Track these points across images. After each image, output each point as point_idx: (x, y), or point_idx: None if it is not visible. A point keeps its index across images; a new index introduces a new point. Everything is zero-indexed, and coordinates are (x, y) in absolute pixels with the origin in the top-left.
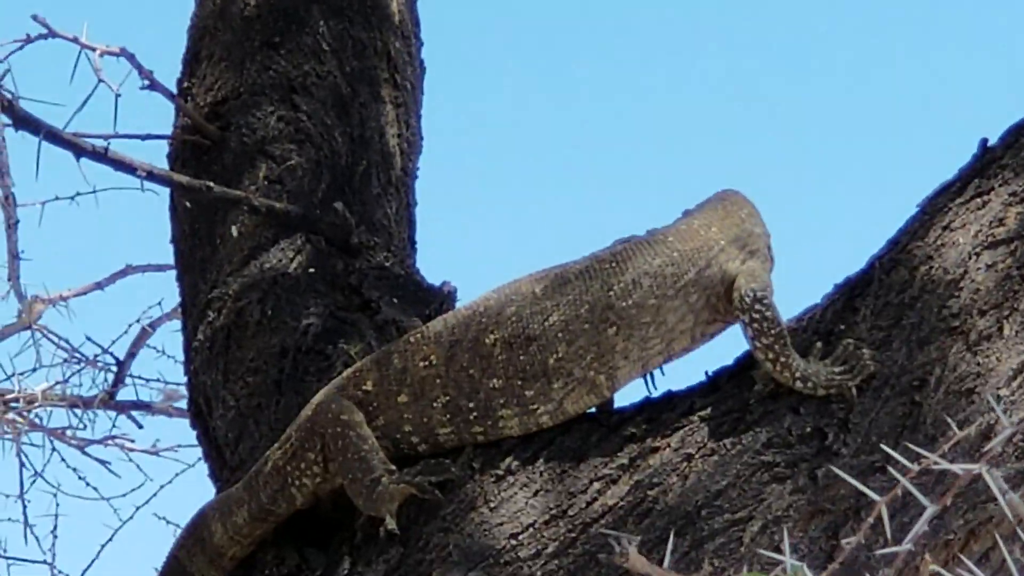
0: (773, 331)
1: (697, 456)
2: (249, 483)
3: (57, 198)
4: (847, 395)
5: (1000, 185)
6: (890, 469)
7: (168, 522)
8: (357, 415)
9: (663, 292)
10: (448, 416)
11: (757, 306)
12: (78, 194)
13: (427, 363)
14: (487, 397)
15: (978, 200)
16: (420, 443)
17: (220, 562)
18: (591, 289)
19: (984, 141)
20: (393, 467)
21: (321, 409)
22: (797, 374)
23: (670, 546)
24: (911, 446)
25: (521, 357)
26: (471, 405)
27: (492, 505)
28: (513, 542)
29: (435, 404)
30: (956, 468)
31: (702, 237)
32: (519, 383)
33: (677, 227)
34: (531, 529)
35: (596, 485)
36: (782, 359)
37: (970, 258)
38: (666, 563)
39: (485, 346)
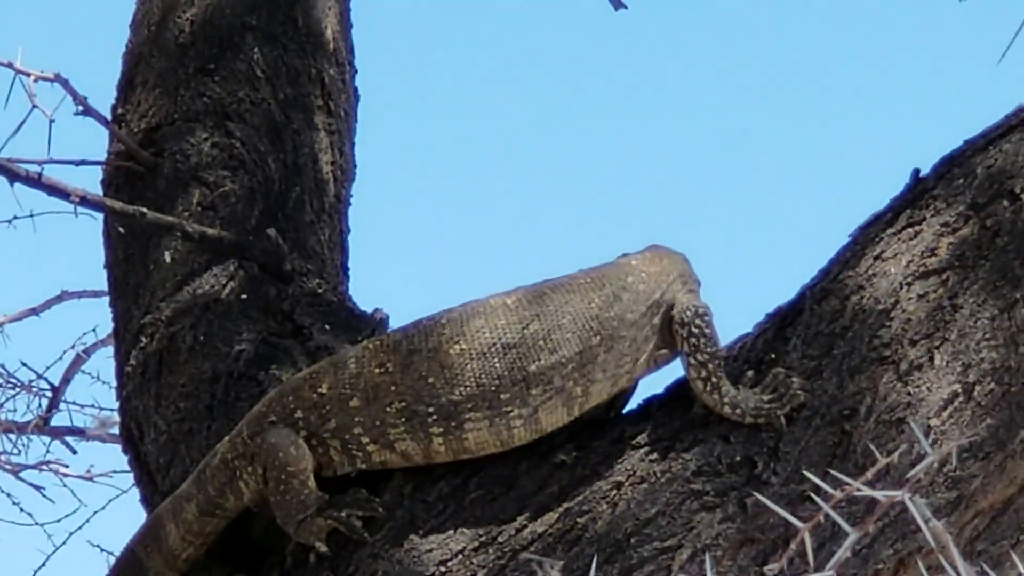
0: (708, 350)
1: (627, 484)
2: (198, 477)
3: None
4: (775, 424)
5: (932, 215)
6: (815, 498)
7: (102, 549)
8: (294, 450)
9: (638, 308)
10: (403, 419)
11: (697, 321)
12: (15, 217)
13: (382, 369)
14: (450, 403)
15: (910, 230)
16: (370, 443)
17: (175, 563)
18: (572, 301)
19: (916, 171)
20: (323, 496)
21: (262, 429)
22: (726, 399)
23: (594, 568)
24: (837, 475)
25: (496, 364)
26: (430, 410)
27: (422, 532)
28: (442, 569)
29: (388, 408)
30: (879, 495)
31: (659, 265)
32: (492, 389)
33: (633, 257)
34: (460, 556)
35: (526, 512)
36: (713, 380)
37: (901, 288)
38: None
39: (450, 356)
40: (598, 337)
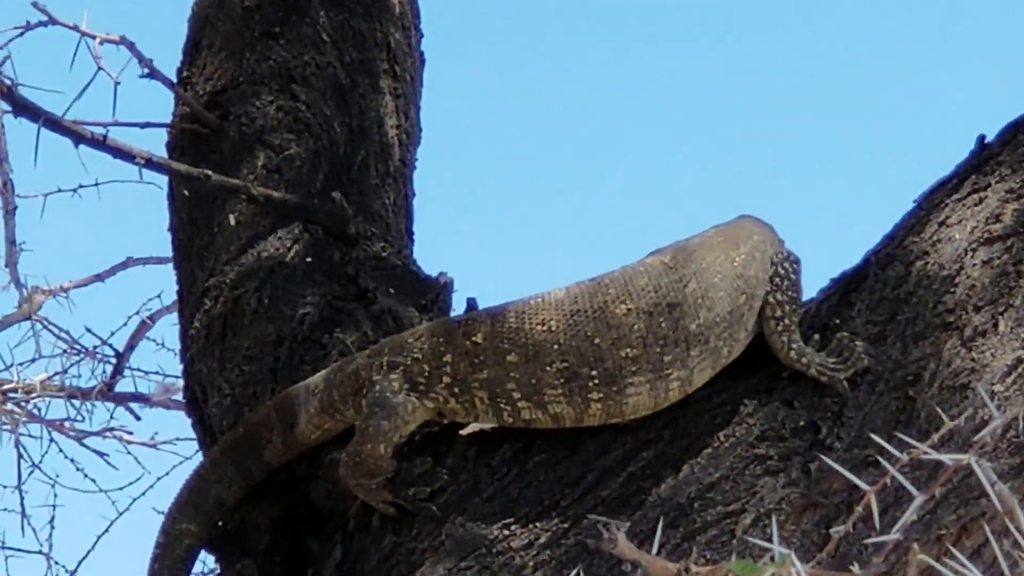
0: (789, 293)
1: (690, 449)
2: (329, 376)
3: (60, 190)
4: (837, 386)
5: (997, 182)
6: (881, 461)
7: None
8: (403, 411)
9: (766, 267)
10: (562, 380)
11: (786, 264)
12: (80, 186)
13: (544, 327)
14: (615, 366)
15: (975, 196)
16: (522, 400)
17: (295, 447)
18: (718, 259)
19: (982, 138)
20: (394, 466)
21: (402, 363)
22: (794, 346)
23: (659, 533)
24: (903, 437)
25: (662, 324)
26: (592, 373)
27: (485, 495)
28: (506, 532)
29: (548, 368)
30: (945, 458)
31: (766, 228)
32: (657, 350)
33: (742, 221)
34: (523, 520)
35: (589, 476)
36: (785, 322)
37: (966, 254)
38: (654, 550)
39: (616, 316)
40: (744, 296)
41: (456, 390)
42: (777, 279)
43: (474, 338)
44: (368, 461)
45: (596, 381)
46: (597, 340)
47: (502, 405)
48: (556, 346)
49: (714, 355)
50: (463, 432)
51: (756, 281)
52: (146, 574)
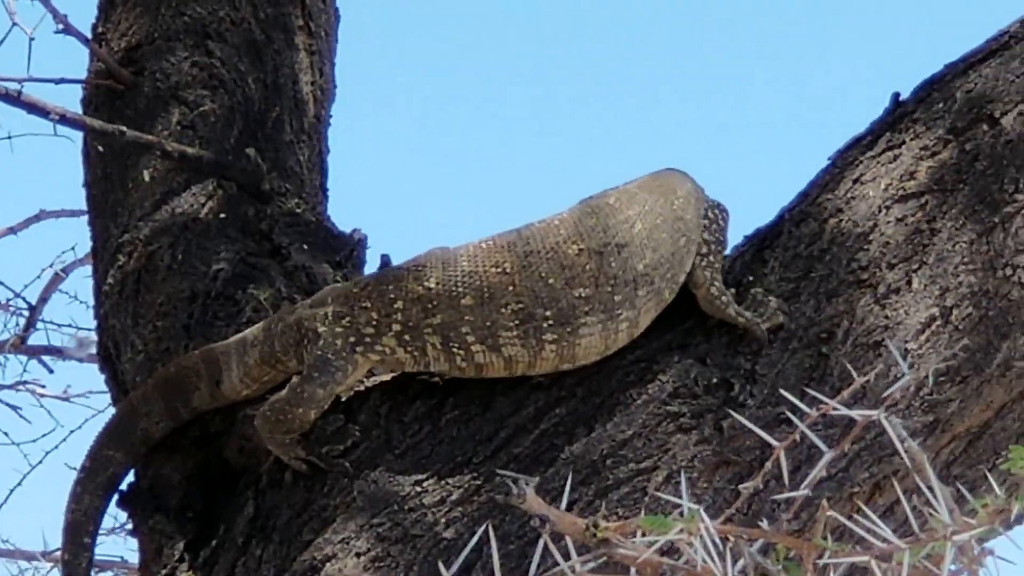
0: (717, 235)
1: (603, 406)
2: (268, 326)
3: None
4: (756, 331)
5: (911, 139)
6: (792, 418)
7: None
8: (340, 373)
9: (700, 213)
10: (517, 322)
11: (716, 210)
12: None
13: (499, 269)
14: (568, 306)
15: (889, 154)
16: (476, 344)
17: (222, 398)
18: (658, 202)
19: (896, 95)
20: (308, 423)
21: (350, 314)
22: (716, 283)
23: (567, 490)
24: (814, 393)
25: (612, 263)
26: (547, 314)
27: (398, 452)
28: (418, 489)
29: (503, 310)
30: (854, 414)
31: (691, 180)
32: (608, 289)
33: (668, 171)
34: (436, 476)
35: (502, 433)
36: (710, 258)
37: (880, 211)
38: (563, 505)
39: (569, 256)
40: (684, 239)
41: (407, 337)
42: (707, 221)
43: (426, 283)
44: (292, 421)
45: (551, 322)
46: (551, 280)
47: (455, 350)
48: (511, 287)
49: (658, 296)
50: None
51: (693, 225)
52: (68, 496)
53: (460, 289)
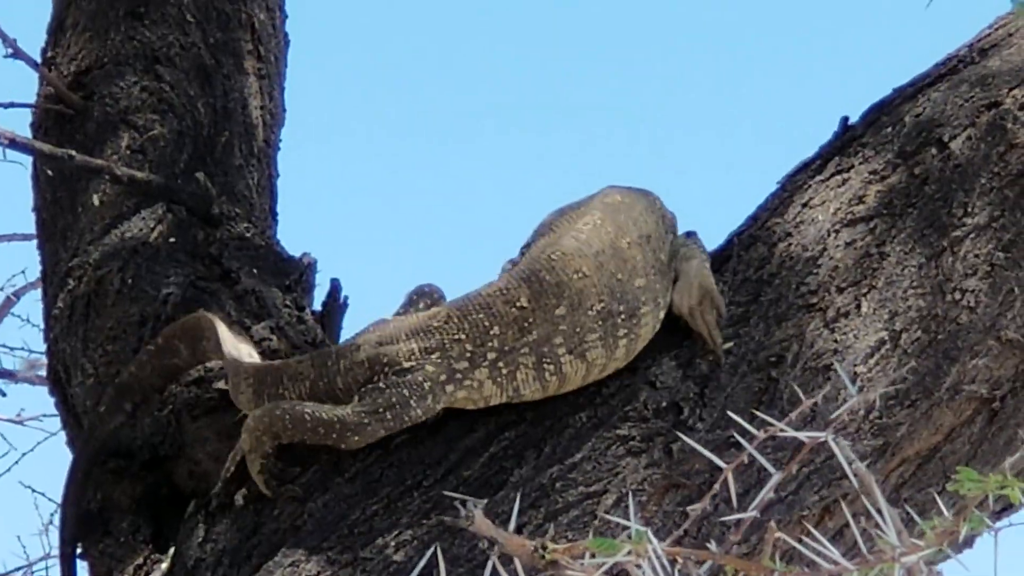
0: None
1: (553, 429)
2: (323, 363)
3: None
4: (718, 353)
5: (860, 163)
6: (741, 440)
7: (33, 490)
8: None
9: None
10: (600, 322)
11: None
12: None
13: (579, 274)
14: (633, 298)
15: (838, 178)
16: (566, 354)
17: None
18: (644, 207)
19: (845, 119)
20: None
21: (441, 348)
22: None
23: (516, 511)
24: (762, 415)
25: (649, 253)
26: (620, 308)
27: (347, 475)
28: (367, 512)
29: (590, 312)
30: (802, 436)
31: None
32: (654, 277)
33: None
34: (386, 500)
35: (452, 457)
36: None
37: (829, 235)
38: (511, 528)
39: (623, 250)
40: (671, 235)
41: (500, 364)
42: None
43: (518, 303)
44: (314, 436)
45: (623, 316)
46: (620, 276)
47: (546, 365)
48: (594, 289)
49: (669, 289)
50: None
51: (671, 225)
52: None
53: (553, 300)
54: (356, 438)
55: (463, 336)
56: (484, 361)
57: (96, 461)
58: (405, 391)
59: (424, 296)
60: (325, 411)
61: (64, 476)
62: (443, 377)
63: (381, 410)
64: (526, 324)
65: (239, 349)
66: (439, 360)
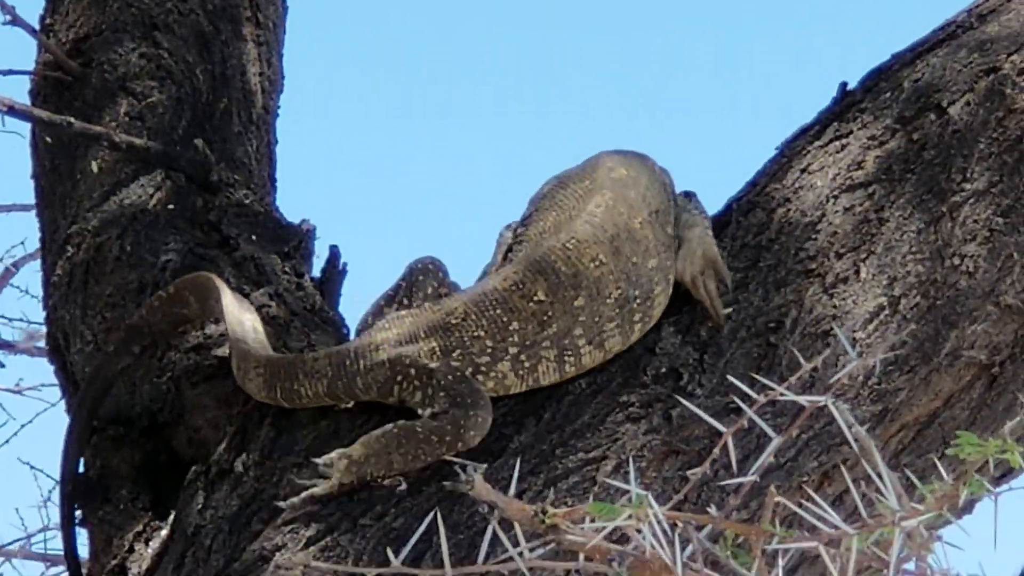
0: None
1: (552, 396)
2: (340, 361)
3: None
4: (719, 318)
5: (859, 128)
6: (741, 405)
7: (31, 467)
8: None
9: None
10: (617, 310)
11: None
12: None
13: (596, 262)
14: (647, 280)
15: (837, 143)
16: (585, 345)
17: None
18: (650, 176)
19: (844, 84)
20: None
21: (461, 349)
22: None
23: (515, 475)
24: (762, 379)
25: (658, 230)
26: (636, 293)
27: (347, 442)
28: (367, 481)
29: (608, 300)
30: (802, 400)
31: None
32: (664, 254)
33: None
34: None
35: None
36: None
37: (828, 201)
38: (511, 492)
39: (636, 231)
40: (672, 204)
41: (522, 358)
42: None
43: (536, 297)
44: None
45: (639, 301)
46: (634, 259)
47: (567, 357)
48: (611, 276)
49: (675, 261)
50: None
51: (671, 189)
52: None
53: (571, 292)
54: (472, 433)
55: (482, 332)
56: (506, 356)
57: (100, 400)
58: (449, 388)
59: (428, 275)
60: (415, 430)
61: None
62: (469, 370)
63: (447, 408)
64: (545, 318)
65: (243, 323)
66: (461, 356)
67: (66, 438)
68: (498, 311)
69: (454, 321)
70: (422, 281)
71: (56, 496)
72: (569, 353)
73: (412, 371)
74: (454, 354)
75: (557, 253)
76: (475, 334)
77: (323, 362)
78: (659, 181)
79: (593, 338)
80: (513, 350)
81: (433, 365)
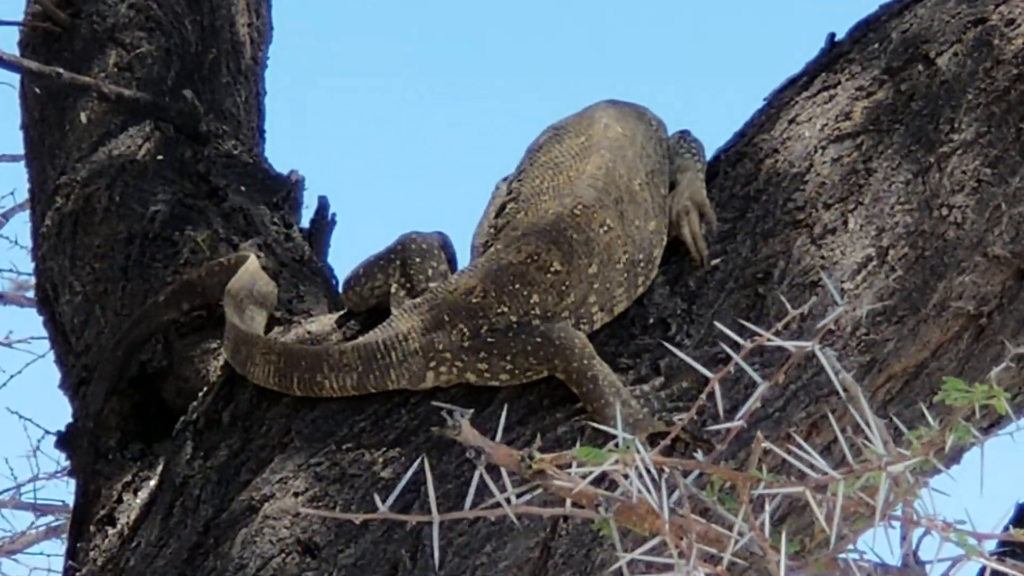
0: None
1: None
2: (371, 355)
3: None
4: (704, 261)
5: (847, 79)
6: (729, 351)
7: (21, 416)
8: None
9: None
10: (626, 275)
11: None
12: None
13: (605, 228)
14: (648, 243)
15: (825, 94)
16: (598, 311)
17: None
18: (646, 132)
19: (832, 35)
20: None
21: (492, 325)
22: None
23: (502, 424)
24: (749, 325)
25: (655, 191)
26: (640, 257)
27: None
28: (355, 429)
29: (617, 265)
30: (789, 345)
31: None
32: (662, 216)
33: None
34: (373, 416)
35: None
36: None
37: (816, 151)
38: (498, 437)
39: (638, 193)
40: (666, 160)
41: None
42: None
43: (553, 268)
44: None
45: (642, 264)
46: (637, 222)
47: (583, 325)
48: (619, 240)
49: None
50: None
51: (665, 143)
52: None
53: (585, 260)
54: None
55: (505, 308)
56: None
57: (140, 346)
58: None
59: (425, 256)
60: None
61: (53, 399)
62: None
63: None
64: (563, 288)
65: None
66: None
67: (95, 380)
68: (517, 285)
69: (475, 300)
70: (420, 264)
71: (45, 445)
72: (584, 321)
73: (448, 355)
74: (482, 331)
75: (567, 220)
76: (499, 311)
77: (351, 356)
78: (654, 136)
79: (605, 304)
80: (536, 322)
81: (467, 344)
